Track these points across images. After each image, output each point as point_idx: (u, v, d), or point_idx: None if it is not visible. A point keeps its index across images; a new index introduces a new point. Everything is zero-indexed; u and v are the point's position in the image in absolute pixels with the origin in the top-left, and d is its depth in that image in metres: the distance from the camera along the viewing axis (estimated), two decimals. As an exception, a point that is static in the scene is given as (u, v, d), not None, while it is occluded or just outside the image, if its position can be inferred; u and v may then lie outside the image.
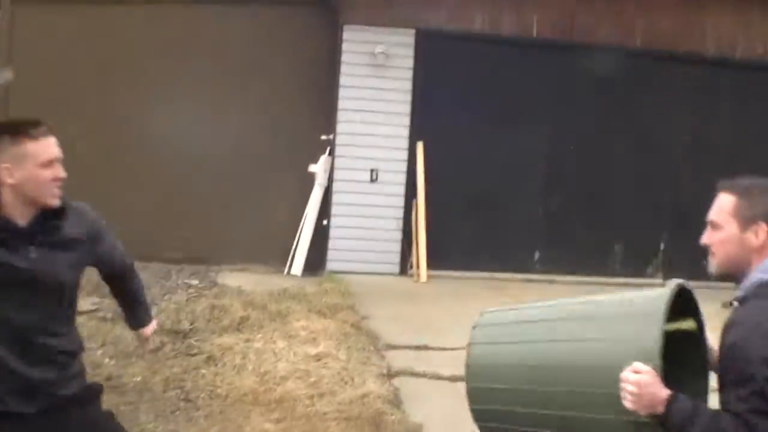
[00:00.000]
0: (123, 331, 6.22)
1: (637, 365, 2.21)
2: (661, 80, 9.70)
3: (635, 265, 9.69)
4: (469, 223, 9.33)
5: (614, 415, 2.30)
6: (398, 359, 6.05)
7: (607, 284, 8.57)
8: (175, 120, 8.92)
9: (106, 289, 7.67)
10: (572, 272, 9.18)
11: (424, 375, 5.81)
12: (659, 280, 9.43)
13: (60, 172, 2.74)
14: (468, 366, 2.65)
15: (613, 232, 9.72)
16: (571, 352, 2.45)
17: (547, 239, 9.57)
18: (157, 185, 9.00)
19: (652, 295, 2.40)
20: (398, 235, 9.17)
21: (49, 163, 2.71)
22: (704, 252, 2.54)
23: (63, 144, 2.73)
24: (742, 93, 9.92)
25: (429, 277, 8.92)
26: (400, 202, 9.19)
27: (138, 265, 8.61)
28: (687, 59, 9.60)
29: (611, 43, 9.40)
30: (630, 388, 2.19)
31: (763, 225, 2.33)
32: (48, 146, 2.73)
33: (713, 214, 2.39)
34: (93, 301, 7.04)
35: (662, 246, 9.85)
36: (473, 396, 2.67)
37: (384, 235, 9.13)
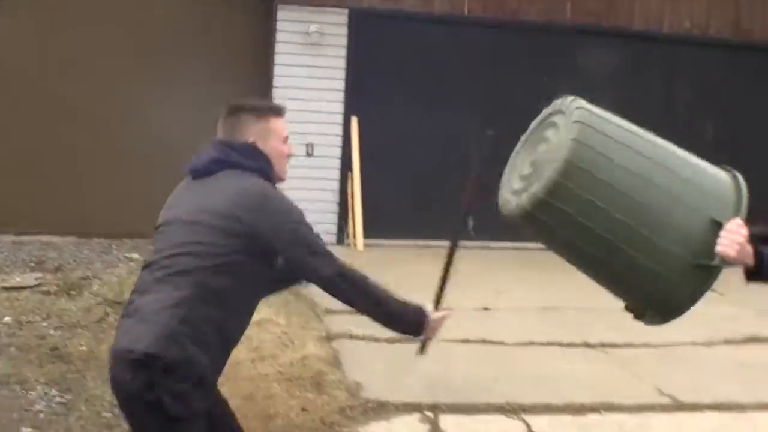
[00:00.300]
0: (67, 304, 6.34)
1: (740, 222, 2.48)
2: (590, 55, 9.97)
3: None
4: (403, 194, 9.67)
5: (691, 258, 2.50)
6: (336, 323, 6.23)
7: (539, 249, 8.93)
8: (114, 99, 9.00)
9: (49, 263, 7.73)
10: (505, 239, 9.23)
11: (361, 338, 5.97)
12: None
13: (293, 149, 2.91)
14: (576, 141, 2.47)
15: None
16: (672, 182, 2.53)
17: (481, 208, 9.94)
18: (96, 164, 9.06)
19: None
20: (334, 207, 9.50)
21: (286, 139, 2.86)
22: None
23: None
24: (669, 67, 10.36)
25: (365, 245, 9.19)
26: (336, 174, 9.51)
27: (78, 242, 8.68)
28: (615, 34, 10.01)
29: (541, 19, 9.79)
30: (739, 239, 2.45)
31: None
32: (284, 124, 2.89)
33: None
34: (36, 276, 7.12)
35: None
36: (567, 173, 2.47)
37: (321, 206, 9.28)
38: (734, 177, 2.65)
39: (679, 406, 5.07)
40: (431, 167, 9.69)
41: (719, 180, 2.63)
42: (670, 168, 2.56)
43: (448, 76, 9.70)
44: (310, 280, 2.78)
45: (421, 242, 9.38)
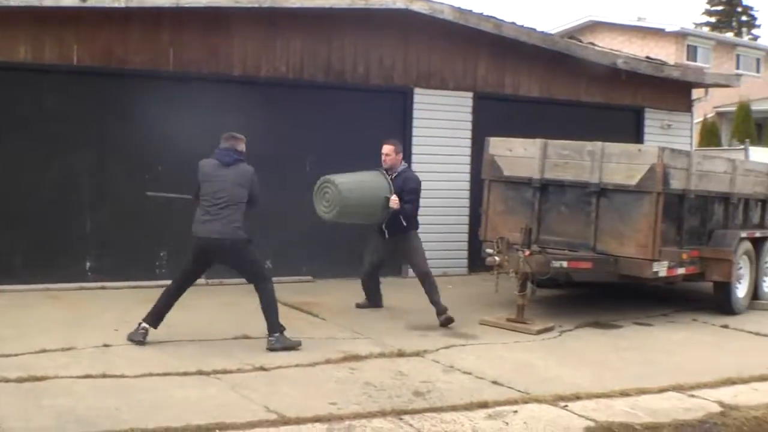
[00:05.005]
0: None
1: (395, 196, 8.72)
2: (192, 101, 10.50)
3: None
4: (21, 239, 9.95)
5: (381, 208, 8.70)
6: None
7: (155, 287, 8.58)
8: None
9: None
10: (123, 278, 10.02)
11: (-8, 380, 6.00)
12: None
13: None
14: (341, 191, 8.44)
15: (158, 239, 10.40)
16: (370, 186, 8.69)
17: (97, 249, 10.28)
18: None
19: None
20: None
21: None
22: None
23: None
24: (268, 108, 11.01)
25: (-15, 293, 9.10)
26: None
27: None
28: (216, 80, 10.72)
29: (147, 67, 10.34)
30: (396, 202, 8.68)
31: None
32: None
33: None
34: None
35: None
36: (343, 207, 8.56)
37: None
38: (382, 174, 8.83)
39: (285, 421, 5.49)
40: (48, 211, 10.01)
41: (381, 179, 8.74)
42: (366, 181, 8.67)
43: (59, 123, 10.05)
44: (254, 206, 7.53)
45: (40, 286, 9.73)
